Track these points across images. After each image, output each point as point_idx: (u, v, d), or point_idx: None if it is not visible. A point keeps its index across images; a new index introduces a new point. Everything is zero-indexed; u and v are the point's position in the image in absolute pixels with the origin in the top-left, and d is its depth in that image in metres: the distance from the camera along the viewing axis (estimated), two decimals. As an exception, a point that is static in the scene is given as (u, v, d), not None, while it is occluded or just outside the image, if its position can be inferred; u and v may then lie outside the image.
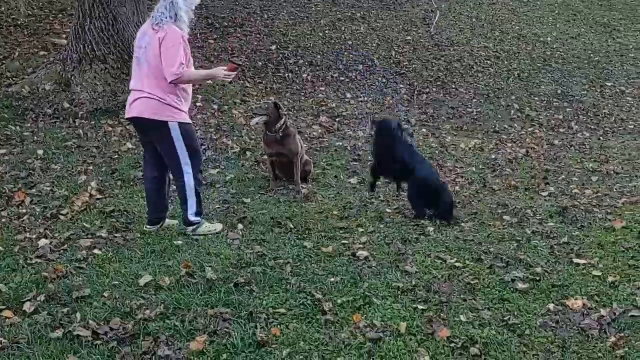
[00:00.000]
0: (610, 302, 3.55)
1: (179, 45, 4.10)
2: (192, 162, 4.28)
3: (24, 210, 4.75)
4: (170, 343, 3.04)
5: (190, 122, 4.40)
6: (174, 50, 4.08)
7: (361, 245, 4.30)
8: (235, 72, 4.60)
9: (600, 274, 3.91)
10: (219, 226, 4.50)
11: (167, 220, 4.57)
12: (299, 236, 4.49)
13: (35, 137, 6.53)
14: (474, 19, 13.10)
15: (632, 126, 9.01)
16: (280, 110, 5.58)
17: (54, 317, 3.23)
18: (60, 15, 9.88)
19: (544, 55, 11.71)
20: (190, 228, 4.39)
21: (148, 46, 4.17)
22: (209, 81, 4.35)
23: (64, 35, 8.85)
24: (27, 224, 4.52)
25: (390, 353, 3.01)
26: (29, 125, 6.89)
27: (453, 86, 10.06)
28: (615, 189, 6.03)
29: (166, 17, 4.15)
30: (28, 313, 3.27)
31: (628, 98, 10.27)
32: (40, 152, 6.09)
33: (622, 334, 3.20)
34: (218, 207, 5.03)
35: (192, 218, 4.37)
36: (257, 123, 5.60)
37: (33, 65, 8.25)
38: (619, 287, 3.74)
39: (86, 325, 3.13)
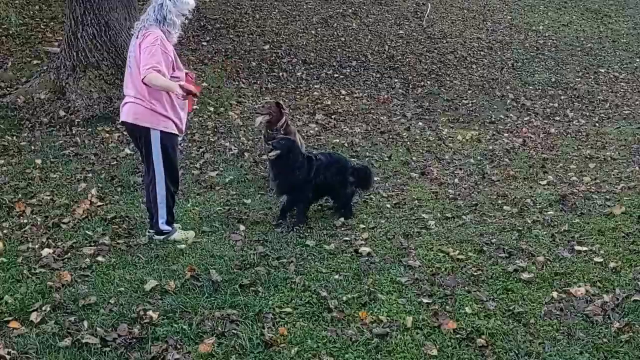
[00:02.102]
0: (612, 287, 3.58)
1: (152, 47, 4.02)
2: (166, 172, 4.24)
3: (25, 221, 4.75)
4: (179, 347, 3.06)
5: (176, 132, 4.27)
6: (148, 51, 4.03)
7: (363, 242, 4.32)
8: (189, 95, 4.23)
9: (601, 260, 3.94)
10: (191, 234, 4.45)
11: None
12: (301, 235, 4.50)
13: (32, 147, 6.52)
14: (465, 10, 13.11)
15: (627, 112, 9.04)
16: (282, 109, 5.62)
17: (62, 326, 3.24)
18: (52, 23, 9.85)
19: (537, 43, 11.73)
20: (162, 237, 4.34)
21: (132, 51, 4.20)
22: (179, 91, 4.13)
23: (57, 43, 8.83)
24: (29, 234, 4.52)
25: (398, 348, 3.03)
26: (25, 135, 6.88)
27: (447, 78, 10.07)
28: (613, 175, 6.06)
29: (152, 20, 4.15)
30: (35, 323, 3.28)
31: (622, 84, 10.29)
32: (38, 161, 6.09)
33: (626, 319, 3.23)
34: (219, 209, 5.04)
35: (162, 227, 4.35)
36: (260, 122, 5.64)
37: (27, 74, 8.23)
38: (620, 272, 3.77)
39: (94, 332, 3.15)
